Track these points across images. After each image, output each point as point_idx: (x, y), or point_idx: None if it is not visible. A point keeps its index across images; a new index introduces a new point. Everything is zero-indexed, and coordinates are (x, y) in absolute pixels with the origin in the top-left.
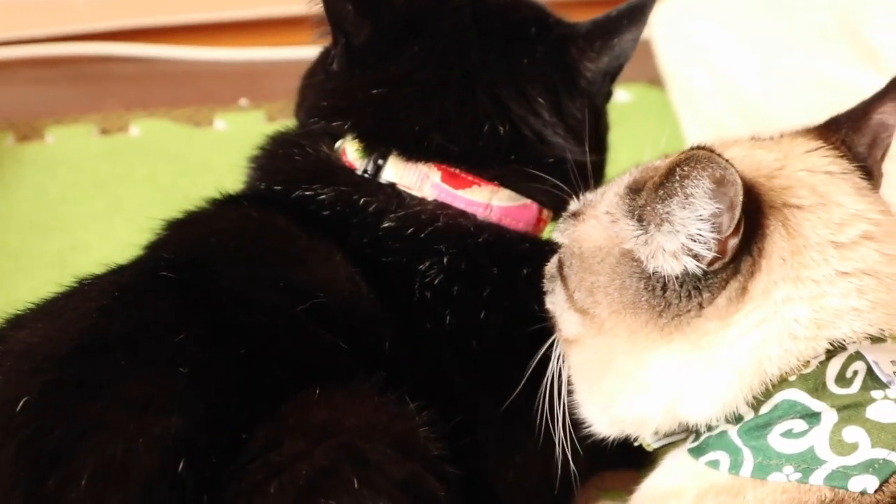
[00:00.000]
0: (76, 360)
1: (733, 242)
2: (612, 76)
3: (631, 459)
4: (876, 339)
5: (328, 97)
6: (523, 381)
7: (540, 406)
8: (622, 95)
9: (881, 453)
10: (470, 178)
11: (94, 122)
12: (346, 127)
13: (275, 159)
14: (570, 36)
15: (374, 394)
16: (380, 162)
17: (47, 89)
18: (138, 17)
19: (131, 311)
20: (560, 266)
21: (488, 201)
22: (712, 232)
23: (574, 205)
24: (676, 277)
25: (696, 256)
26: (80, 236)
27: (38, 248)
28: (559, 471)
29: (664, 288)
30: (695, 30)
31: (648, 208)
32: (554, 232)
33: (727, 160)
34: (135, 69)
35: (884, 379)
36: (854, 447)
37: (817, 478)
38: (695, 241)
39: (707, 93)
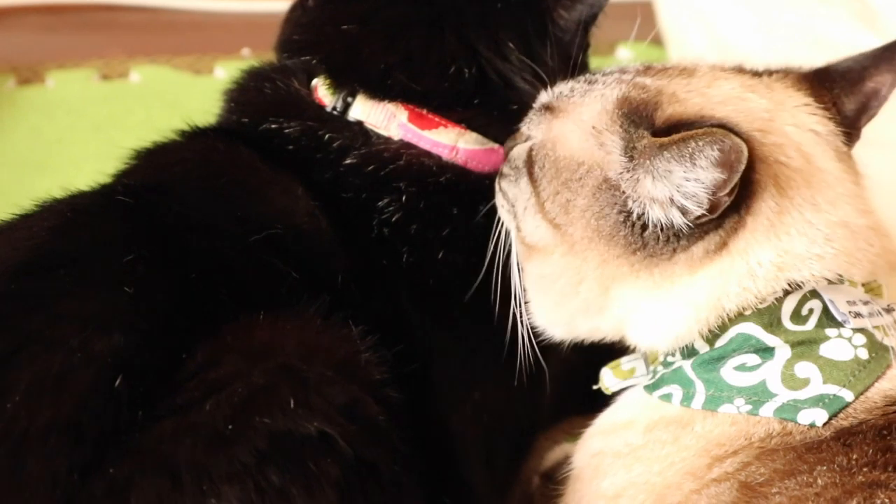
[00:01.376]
0: (21, 275)
1: (725, 201)
2: (586, 25)
3: (597, 405)
4: (832, 283)
5: (300, 32)
6: (480, 324)
7: (504, 349)
8: (624, 54)
9: (832, 389)
10: (437, 119)
11: (95, 67)
12: (314, 62)
13: (246, 93)
14: None
15: (317, 318)
16: (349, 99)
17: (52, 36)
18: None
19: (82, 232)
20: (530, 162)
21: (454, 143)
22: (706, 192)
23: (545, 96)
24: (660, 223)
25: (683, 211)
26: (72, 176)
27: (30, 186)
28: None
29: (643, 228)
30: None
31: (646, 158)
32: (523, 123)
33: (740, 139)
34: (140, 18)
35: (839, 318)
36: (805, 382)
37: (767, 410)
38: (686, 198)
39: (702, 51)
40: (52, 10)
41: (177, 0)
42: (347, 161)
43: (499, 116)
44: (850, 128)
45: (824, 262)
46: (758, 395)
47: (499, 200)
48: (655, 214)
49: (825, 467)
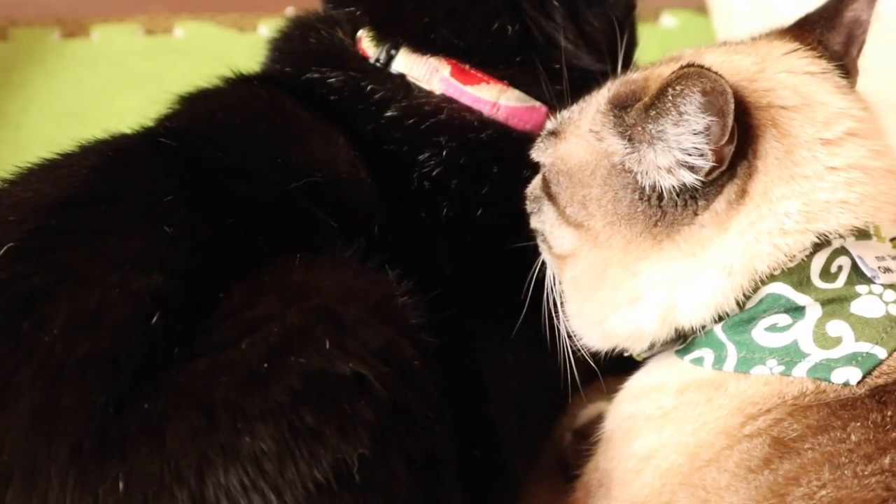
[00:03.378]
0: (62, 211)
1: (729, 149)
2: None
3: (631, 364)
4: (862, 233)
5: None
6: (517, 285)
7: (539, 314)
8: (668, 21)
9: (865, 346)
10: (479, 74)
11: (140, 22)
12: (357, 14)
13: (290, 42)
14: None
15: (354, 261)
16: (392, 52)
17: None
18: None
19: (123, 171)
20: (546, 185)
21: (496, 100)
22: (706, 143)
23: (551, 123)
24: (673, 188)
25: (692, 168)
26: (113, 127)
27: (71, 135)
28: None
29: (660, 198)
30: None
31: (639, 128)
32: (532, 151)
33: (717, 72)
34: None
35: (868, 273)
36: (838, 341)
37: (800, 370)
38: (690, 154)
39: (746, 16)
40: None
41: None
42: (389, 113)
43: (541, 74)
44: (842, 61)
45: (851, 209)
46: (790, 356)
47: (539, 241)
48: (667, 181)
49: (859, 423)
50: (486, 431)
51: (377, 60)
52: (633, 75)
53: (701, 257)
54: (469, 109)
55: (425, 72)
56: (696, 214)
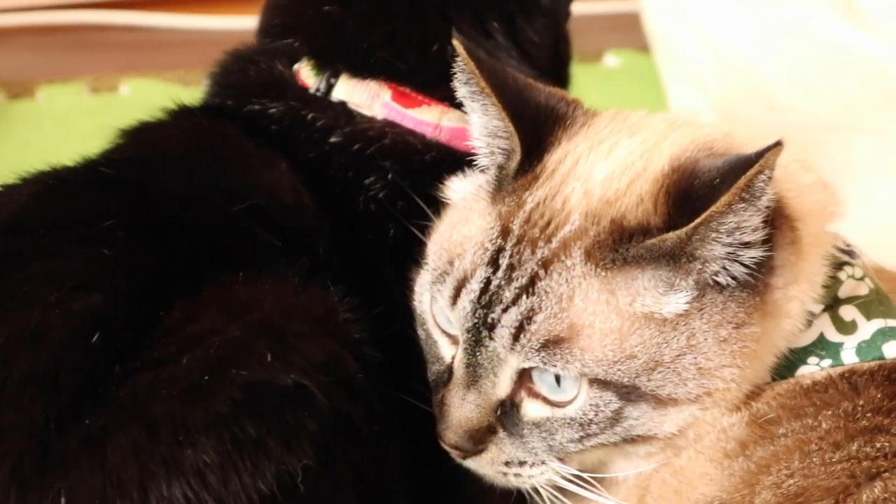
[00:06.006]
0: (1, 236)
1: None
2: None
3: None
4: None
5: (280, 15)
6: None
7: None
8: (611, 60)
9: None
10: (420, 97)
11: (85, 82)
12: (295, 45)
13: (229, 75)
14: None
15: (296, 278)
16: (332, 80)
17: (45, 55)
18: None
19: (63, 198)
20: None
21: (437, 121)
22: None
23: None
24: None
25: None
26: None
27: None
28: None
29: None
30: None
31: None
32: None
33: None
34: (133, 37)
35: None
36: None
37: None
38: None
39: (689, 48)
40: (45, 30)
41: (168, 18)
42: (332, 139)
43: None
44: None
45: None
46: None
47: None
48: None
49: (830, 412)
50: (437, 447)
51: (317, 90)
52: None
53: None
54: (412, 133)
55: (366, 97)
56: None
